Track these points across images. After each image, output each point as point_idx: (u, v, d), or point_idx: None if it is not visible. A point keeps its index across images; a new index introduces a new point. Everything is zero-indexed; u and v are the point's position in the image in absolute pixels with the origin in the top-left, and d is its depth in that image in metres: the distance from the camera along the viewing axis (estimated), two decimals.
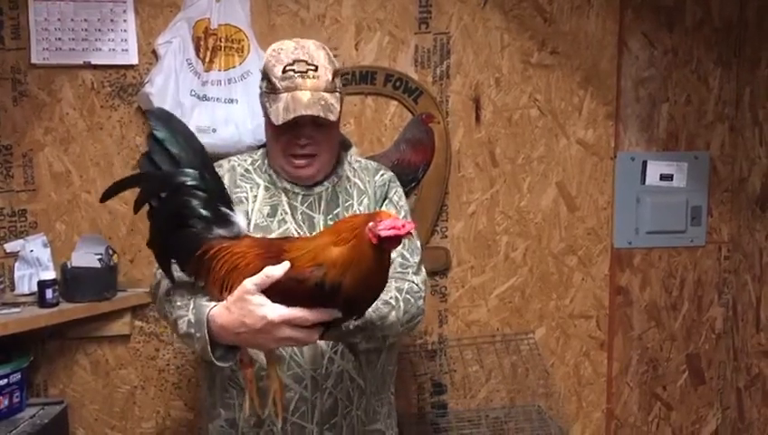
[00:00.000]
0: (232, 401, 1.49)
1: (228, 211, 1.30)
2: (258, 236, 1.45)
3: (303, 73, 1.45)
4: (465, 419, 2.25)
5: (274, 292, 1.19)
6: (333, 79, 1.49)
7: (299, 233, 1.51)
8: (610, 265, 2.35)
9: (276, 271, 1.18)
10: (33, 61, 2.04)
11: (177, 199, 1.27)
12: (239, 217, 1.31)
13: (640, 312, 2.38)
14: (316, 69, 1.46)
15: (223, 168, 1.58)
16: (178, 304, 1.33)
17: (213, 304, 1.27)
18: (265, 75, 1.50)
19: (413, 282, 1.50)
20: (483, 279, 2.30)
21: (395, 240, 1.13)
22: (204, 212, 1.27)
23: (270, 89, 1.48)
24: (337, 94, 1.50)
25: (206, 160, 1.32)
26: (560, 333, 2.35)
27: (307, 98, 1.43)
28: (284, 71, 1.45)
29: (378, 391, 1.56)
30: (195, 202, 1.27)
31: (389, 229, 1.11)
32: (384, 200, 1.61)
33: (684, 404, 2.42)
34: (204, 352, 1.26)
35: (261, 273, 1.19)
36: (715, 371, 2.42)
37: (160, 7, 2.09)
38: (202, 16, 2.06)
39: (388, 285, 1.39)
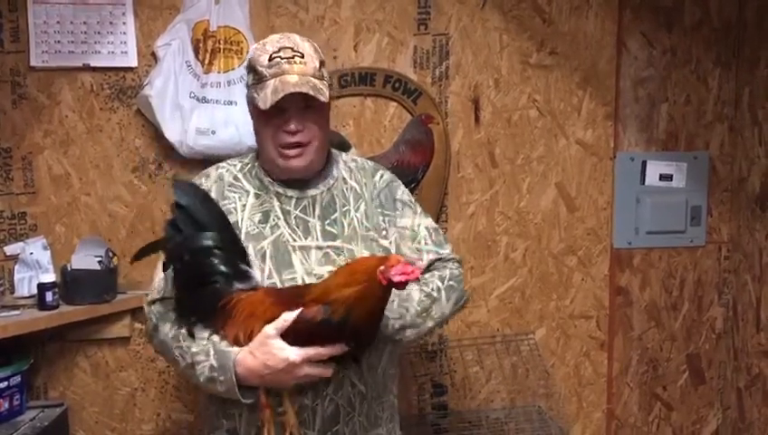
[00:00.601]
0: (233, 412, 1.47)
1: (246, 267, 1.42)
2: (251, 244, 1.47)
3: (290, 59, 1.43)
4: (466, 420, 2.25)
5: (289, 334, 1.31)
6: (320, 68, 1.47)
7: (293, 238, 1.48)
8: (610, 266, 2.35)
9: (292, 316, 1.31)
10: (33, 63, 2.04)
11: (200, 259, 1.38)
12: (255, 272, 1.43)
13: (640, 312, 2.38)
14: (303, 56, 1.45)
15: (210, 178, 1.56)
16: (194, 350, 1.39)
17: (235, 349, 1.36)
18: (251, 68, 1.48)
19: (452, 269, 1.57)
20: (483, 280, 2.30)
21: (402, 284, 1.27)
22: (224, 269, 1.39)
23: (257, 79, 1.45)
24: (325, 82, 1.47)
25: (225, 222, 1.43)
26: (560, 333, 2.35)
27: (295, 80, 1.42)
28: (271, 58, 1.44)
29: (379, 396, 1.53)
30: (216, 261, 1.38)
31: (401, 275, 1.25)
32: (394, 205, 1.59)
33: (684, 404, 2.42)
34: (230, 393, 1.36)
35: (279, 318, 1.32)
36: (715, 371, 2.42)
37: (159, 9, 2.09)
38: (201, 18, 2.06)
39: (430, 274, 1.52)
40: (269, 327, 1.32)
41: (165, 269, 1.43)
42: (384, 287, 1.28)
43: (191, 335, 1.40)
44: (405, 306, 1.45)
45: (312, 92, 1.42)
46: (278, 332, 1.32)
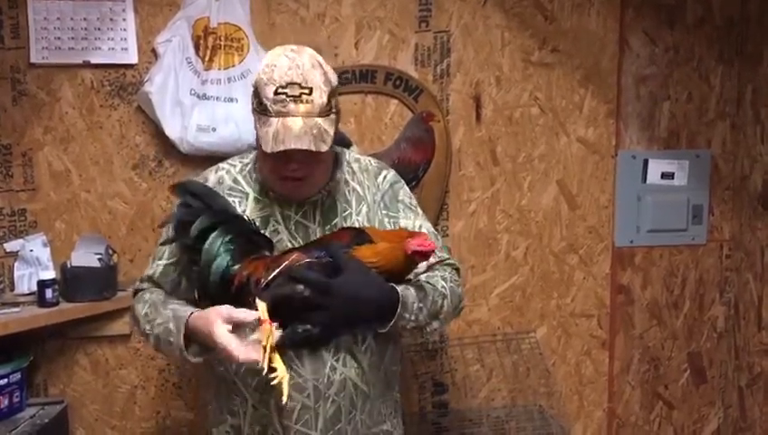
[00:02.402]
0: (237, 408, 1.47)
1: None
2: None
3: (296, 98, 1.35)
4: (467, 418, 2.25)
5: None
6: (329, 100, 1.39)
7: (293, 244, 1.47)
8: (612, 264, 2.34)
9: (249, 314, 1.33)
10: (33, 60, 2.04)
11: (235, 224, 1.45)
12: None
13: (642, 310, 2.37)
14: (310, 92, 1.36)
15: (209, 181, 1.54)
16: (158, 321, 1.44)
17: (189, 311, 1.40)
18: (256, 93, 1.41)
19: (451, 273, 1.58)
20: (483, 278, 2.29)
21: (422, 254, 1.39)
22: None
23: (261, 109, 1.39)
24: (332, 117, 1.40)
25: (229, 204, 1.49)
26: (561, 332, 2.35)
27: (298, 126, 1.34)
28: (276, 93, 1.36)
29: (382, 394, 1.53)
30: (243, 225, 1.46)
31: (418, 245, 1.37)
32: (397, 206, 1.58)
33: (686, 403, 2.42)
34: (176, 350, 1.40)
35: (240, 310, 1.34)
36: (716, 369, 2.42)
37: (160, 6, 2.08)
38: (201, 15, 2.05)
39: (433, 274, 1.53)
40: (225, 307, 1.34)
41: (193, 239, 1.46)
42: (406, 257, 1.38)
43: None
44: (418, 307, 1.44)
45: (313, 147, 1.35)
46: (228, 313, 1.33)
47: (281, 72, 1.37)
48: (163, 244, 1.54)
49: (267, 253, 1.45)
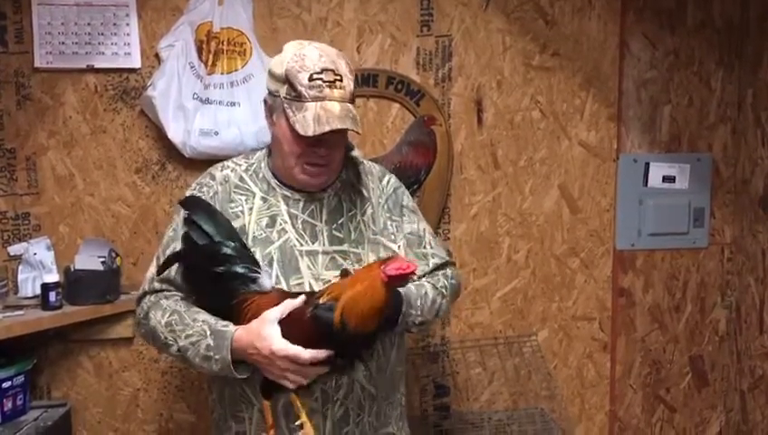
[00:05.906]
0: (242, 415, 1.48)
1: (257, 274, 1.42)
2: (258, 249, 1.47)
3: (331, 83, 1.41)
4: (468, 421, 2.25)
5: (283, 326, 1.33)
6: (354, 89, 1.48)
7: (300, 243, 1.48)
8: (613, 267, 2.35)
9: (294, 302, 1.34)
10: (37, 64, 2.05)
11: (219, 265, 1.41)
12: (265, 277, 1.43)
13: (643, 314, 2.37)
14: (342, 79, 1.43)
15: (215, 179, 1.54)
16: (188, 332, 1.41)
17: (232, 327, 1.38)
18: (287, 81, 1.42)
19: (452, 269, 1.63)
20: (485, 281, 2.30)
21: (401, 278, 1.30)
22: (240, 271, 1.41)
23: (294, 96, 1.42)
24: (355, 105, 1.48)
25: (234, 232, 1.45)
26: (562, 335, 2.35)
27: (338, 109, 1.40)
28: (311, 78, 1.40)
29: (388, 396, 1.55)
30: (233, 267, 1.41)
31: (397, 269, 1.28)
32: (401, 211, 1.60)
33: (687, 407, 2.42)
34: (225, 371, 1.38)
35: (282, 304, 1.35)
36: (718, 373, 2.42)
37: (163, 11, 2.10)
38: (204, 20, 2.07)
39: (434, 273, 1.58)
40: (271, 311, 1.34)
41: (160, 272, 1.48)
42: (385, 285, 1.30)
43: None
44: (422, 304, 1.49)
45: (355, 127, 1.42)
46: (277, 318, 1.33)
47: (313, 60, 1.42)
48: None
49: (255, 286, 1.43)
